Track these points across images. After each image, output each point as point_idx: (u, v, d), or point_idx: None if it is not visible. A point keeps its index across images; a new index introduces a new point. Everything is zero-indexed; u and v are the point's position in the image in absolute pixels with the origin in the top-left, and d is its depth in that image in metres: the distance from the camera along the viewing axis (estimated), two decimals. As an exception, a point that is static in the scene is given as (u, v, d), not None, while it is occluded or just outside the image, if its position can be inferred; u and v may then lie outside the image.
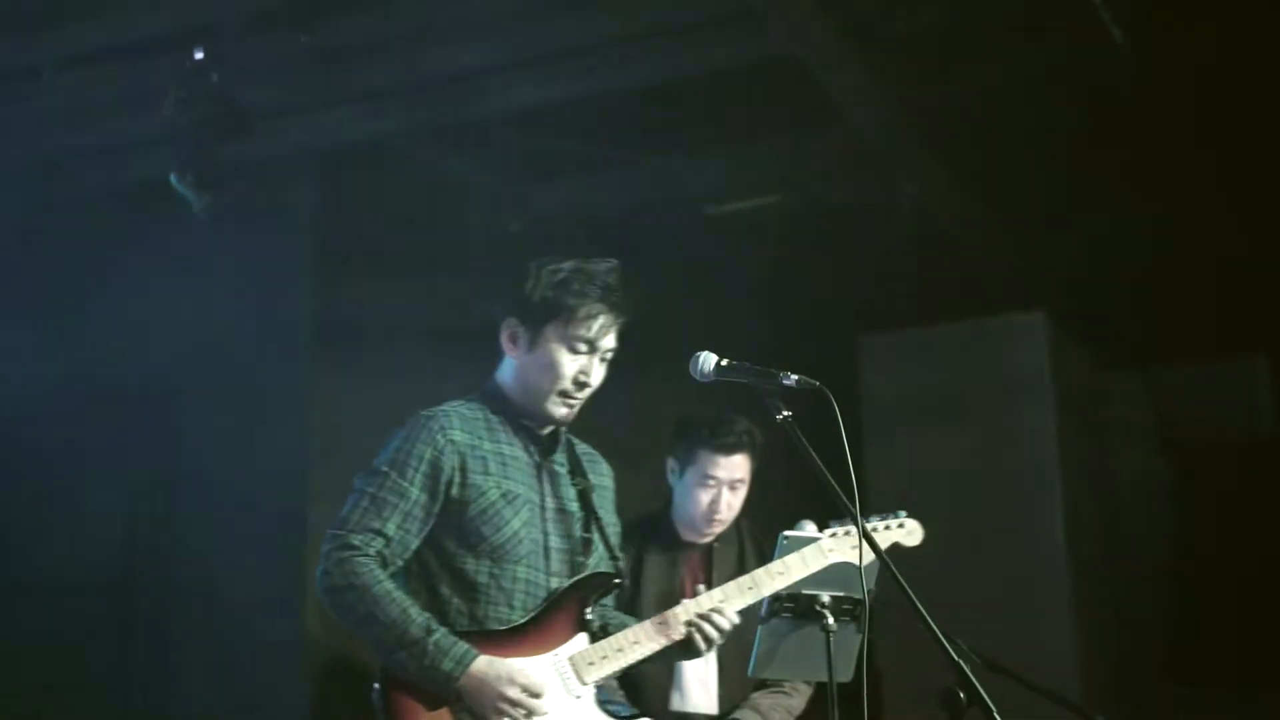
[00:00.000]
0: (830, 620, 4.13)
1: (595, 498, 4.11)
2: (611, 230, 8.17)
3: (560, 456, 4.09)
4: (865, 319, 9.16)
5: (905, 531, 4.23)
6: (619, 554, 4.16)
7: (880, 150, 7.30)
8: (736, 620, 4.00)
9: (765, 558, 4.97)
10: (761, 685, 5.11)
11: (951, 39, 6.60)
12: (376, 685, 3.76)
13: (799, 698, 5.14)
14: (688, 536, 5.22)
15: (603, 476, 4.22)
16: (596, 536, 4.06)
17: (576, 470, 4.11)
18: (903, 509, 4.37)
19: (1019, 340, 8.90)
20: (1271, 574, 8.84)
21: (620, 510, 4.30)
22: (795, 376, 3.79)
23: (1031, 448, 8.75)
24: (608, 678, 3.88)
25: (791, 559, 4.07)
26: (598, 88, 6.84)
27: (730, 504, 5.17)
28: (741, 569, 5.06)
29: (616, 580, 4.02)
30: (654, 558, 5.14)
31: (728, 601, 3.98)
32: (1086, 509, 9.09)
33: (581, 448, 4.21)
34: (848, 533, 4.16)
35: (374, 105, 6.99)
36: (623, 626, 3.98)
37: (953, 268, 8.49)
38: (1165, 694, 9.28)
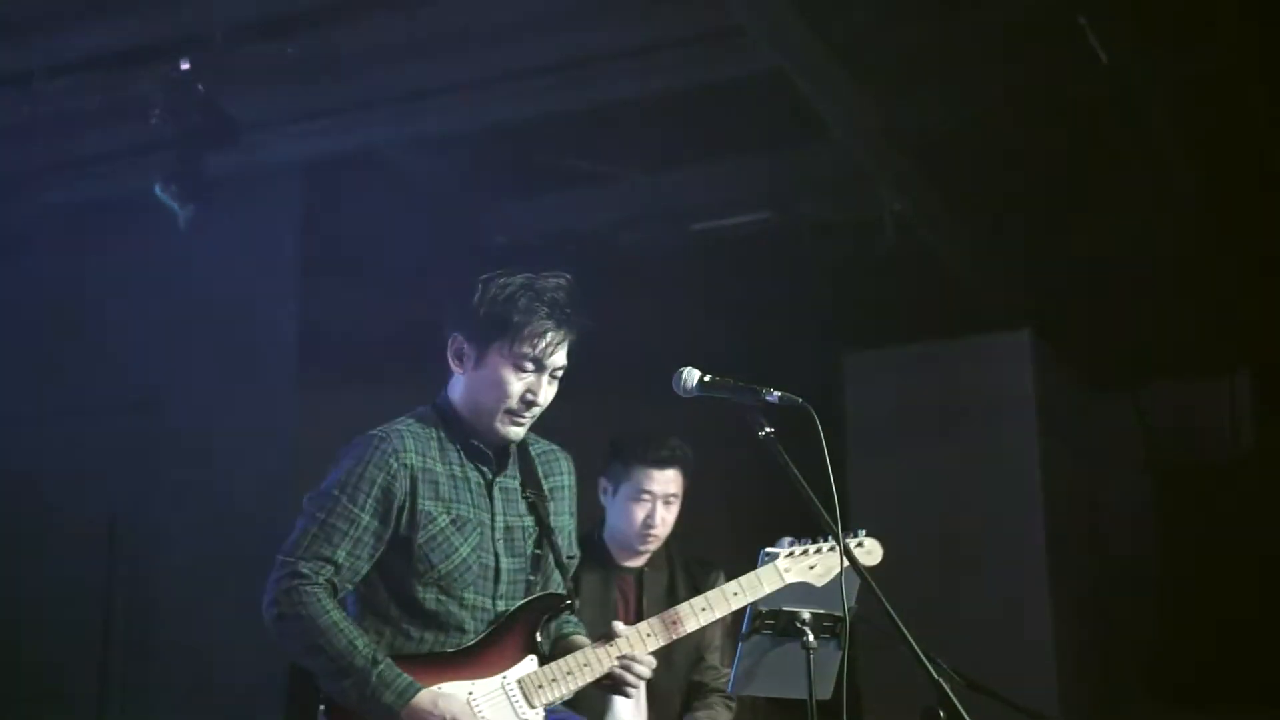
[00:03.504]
0: (810, 637, 4.12)
1: (551, 506, 4.03)
2: (597, 246, 8.18)
3: (512, 470, 4.00)
4: (850, 336, 9.17)
5: (864, 550, 4.19)
6: (571, 556, 4.11)
7: (867, 168, 7.31)
8: (653, 665, 3.94)
9: (694, 583, 4.97)
10: (688, 706, 5.15)
11: (939, 57, 6.61)
12: (322, 707, 3.72)
13: (728, 715, 5.18)
14: (620, 559, 5.20)
15: (561, 475, 4.12)
16: (547, 551, 3.99)
17: (529, 482, 4.01)
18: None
19: (1004, 359, 8.93)
20: (1254, 592, 8.86)
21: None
22: (778, 393, 3.78)
23: (1015, 466, 8.77)
24: (557, 700, 3.85)
25: (746, 580, 4.04)
26: (584, 102, 6.84)
27: (664, 519, 5.17)
28: (671, 593, 5.09)
29: (566, 602, 3.97)
30: (588, 577, 5.11)
31: (681, 624, 3.94)
32: (1070, 527, 9.11)
33: (538, 448, 4.11)
34: (805, 553, 4.14)
35: (359, 117, 6.99)
36: (571, 647, 3.95)
37: (938, 286, 8.51)
38: (1147, 712, 9.29)
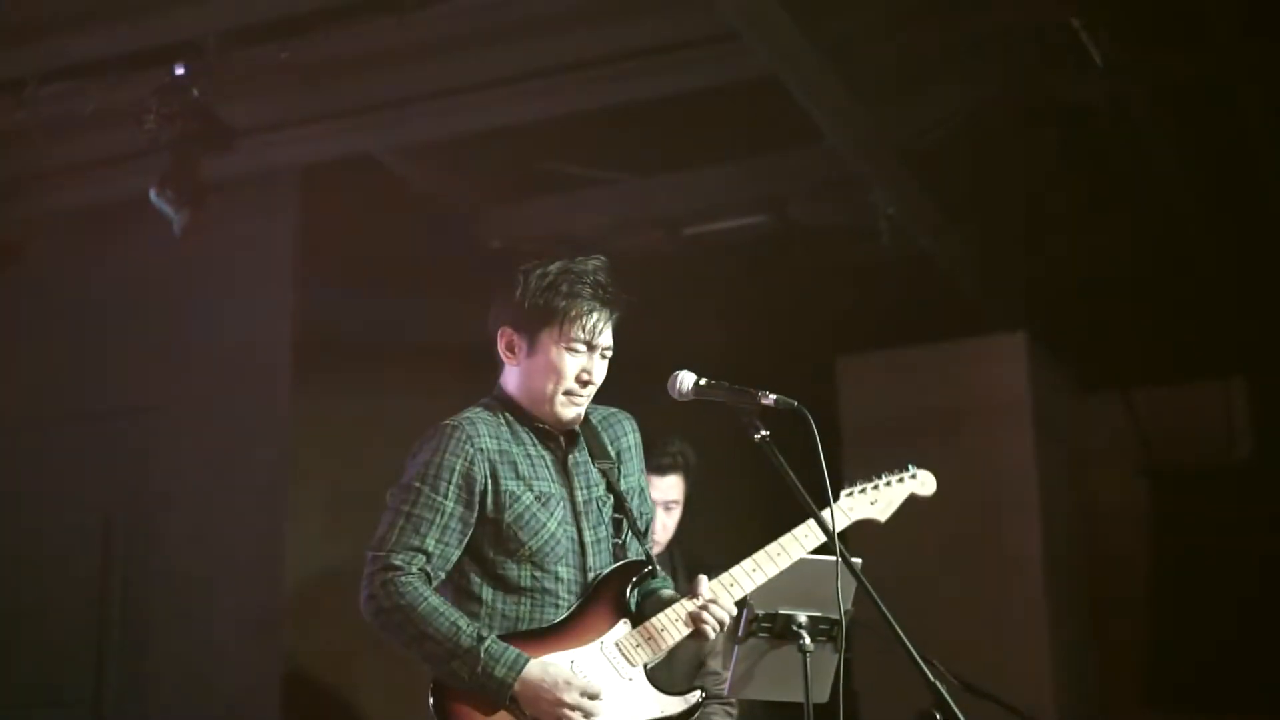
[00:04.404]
0: (807, 641, 4.12)
1: (621, 469, 4.10)
2: (591, 249, 8.16)
3: (581, 444, 4.07)
4: (844, 340, 9.17)
5: (918, 482, 4.25)
6: (645, 513, 4.14)
7: (860, 172, 7.31)
8: (733, 611, 3.98)
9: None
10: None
11: (932, 61, 6.61)
12: (431, 698, 3.78)
13: None
14: None
15: (625, 435, 4.17)
16: (624, 518, 4.06)
17: (597, 452, 4.08)
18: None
19: (998, 362, 8.92)
20: (1249, 598, 8.85)
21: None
22: (773, 396, 3.80)
23: (1011, 469, 8.77)
24: (656, 657, 3.90)
25: (813, 524, 4.04)
26: (577, 107, 6.85)
27: (665, 525, 5.22)
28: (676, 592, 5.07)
29: (648, 568, 4.02)
30: None
31: (760, 570, 3.97)
32: (1065, 531, 9.11)
33: (598, 414, 4.16)
34: (863, 491, 4.18)
35: (354, 122, 6.99)
36: (662, 602, 4.00)
37: (932, 289, 8.51)
38: (1143, 717, 9.29)
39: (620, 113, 6.94)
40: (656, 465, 5.13)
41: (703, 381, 3.91)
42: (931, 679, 3.45)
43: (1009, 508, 8.68)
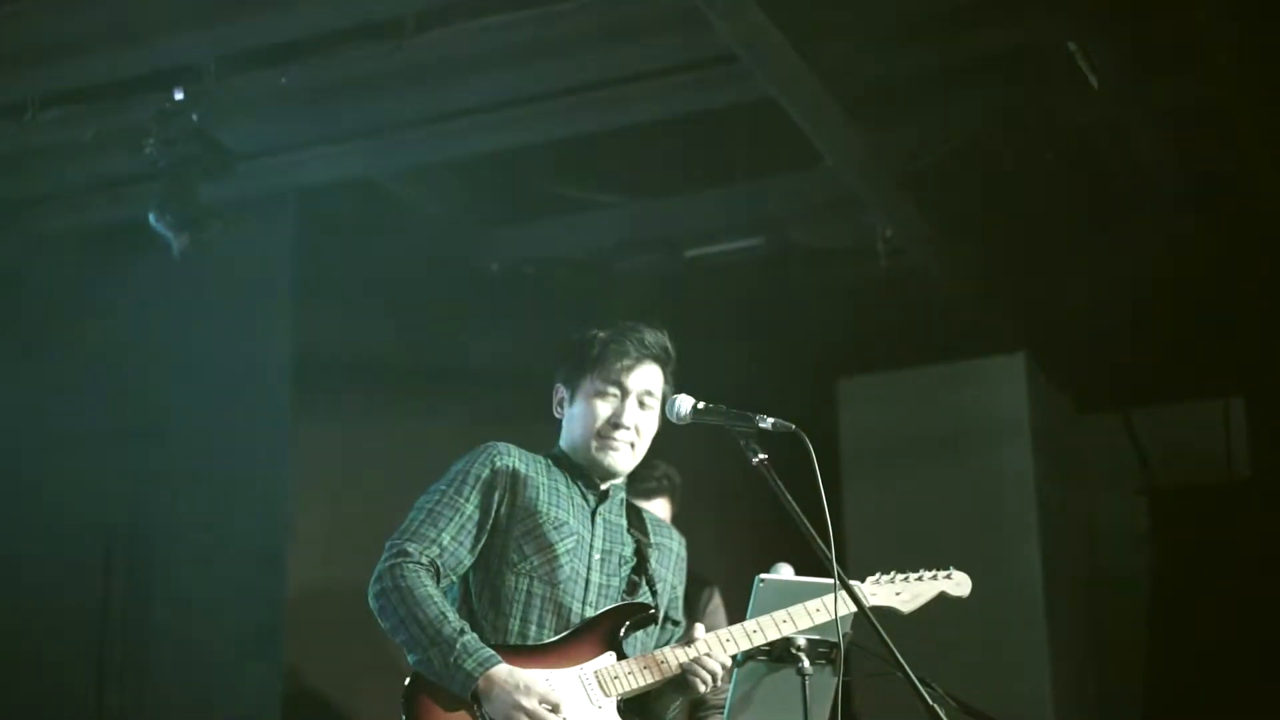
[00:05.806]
0: (806, 664, 4.11)
1: (652, 553, 4.18)
2: (590, 272, 8.19)
3: (618, 511, 4.17)
4: (843, 361, 9.18)
5: (954, 583, 4.26)
6: (670, 609, 4.19)
7: (859, 194, 7.32)
8: (728, 665, 4.00)
9: (688, 601, 4.96)
10: None
11: (930, 84, 6.63)
12: (403, 691, 3.82)
13: None
14: None
15: (668, 539, 4.29)
16: (644, 582, 4.12)
17: (635, 525, 4.19)
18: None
19: (998, 383, 8.92)
20: (1248, 614, 8.85)
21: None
22: (772, 419, 3.81)
23: (1010, 490, 8.76)
24: (632, 692, 3.91)
25: (829, 599, 4.04)
26: (577, 129, 6.87)
27: None
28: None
29: (650, 611, 4.06)
30: None
31: (762, 633, 3.98)
32: (1064, 551, 9.11)
33: (650, 515, 4.31)
34: (890, 580, 4.18)
35: (353, 146, 7.01)
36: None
37: (931, 310, 8.52)
38: (1143, 736, 9.28)
39: (620, 135, 6.96)
40: (642, 490, 5.15)
41: (701, 405, 3.94)
42: (930, 702, 3.46)
43: (1008, 527, 8.67)
